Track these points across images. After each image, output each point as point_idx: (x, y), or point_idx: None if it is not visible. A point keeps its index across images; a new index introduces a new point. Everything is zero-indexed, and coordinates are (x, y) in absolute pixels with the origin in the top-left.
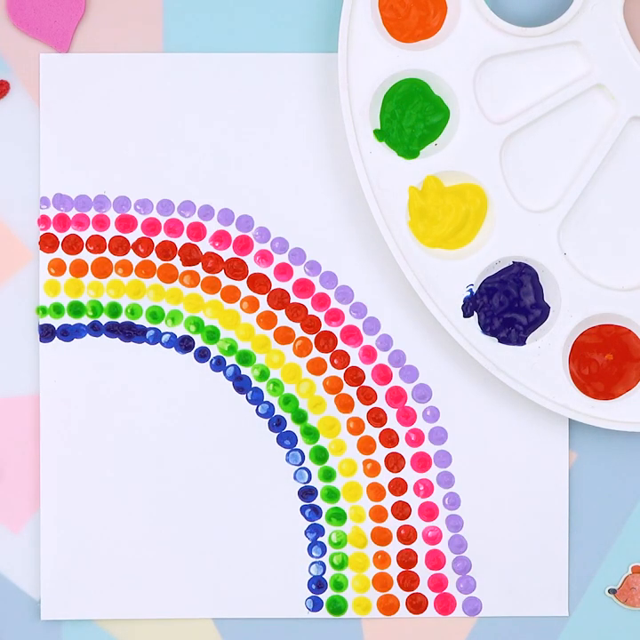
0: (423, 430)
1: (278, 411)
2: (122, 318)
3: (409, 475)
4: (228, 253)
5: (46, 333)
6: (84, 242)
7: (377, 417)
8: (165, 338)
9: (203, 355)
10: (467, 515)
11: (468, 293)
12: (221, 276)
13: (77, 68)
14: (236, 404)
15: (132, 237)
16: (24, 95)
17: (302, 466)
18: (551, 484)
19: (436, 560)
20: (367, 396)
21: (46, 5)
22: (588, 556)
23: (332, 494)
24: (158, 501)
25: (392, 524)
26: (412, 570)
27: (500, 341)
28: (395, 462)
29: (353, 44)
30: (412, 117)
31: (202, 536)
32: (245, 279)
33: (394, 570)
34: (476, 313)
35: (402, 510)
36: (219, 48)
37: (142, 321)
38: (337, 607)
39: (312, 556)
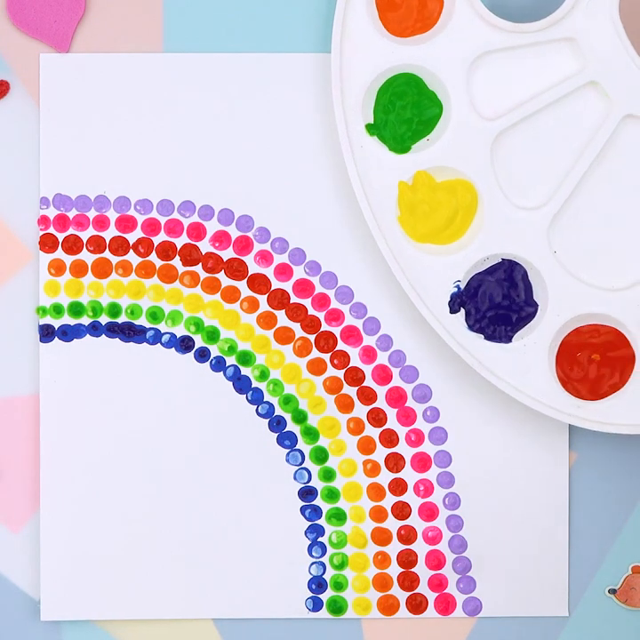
0: (423, 430)
1: (278, 411)
2: (122, 318)
3: (409, 475)
4: (227, 253)
5: (46, 333)
6: (84, 242)
7: (377, 417)
8: (165, 338)
9: (203, 355)
10: (467, 515)
11: (456, 289)
12: (221, 276)
13: (77, 67)
14: (236, 404)
15: (132, 237)
16: (24, 95)
17: (302, 466)
18: (551, 484)
19: (436, 560)
20: (367, 396)
21: (46, 5)
22: (588, 556)
23: (332, 494)
24: (158, 501)
25: (392, 524)
26: (412, 570)
27: (486, 338)
28: (395, 462)
29: (347, 37)
30: (406, 112)
31: (202, 536)
32: (245, 279)
33: (394, 570)
34: (462, 309)
35: (402, 510)
36: (219, 48)
37: (142, 321)
38: (337, 607)
39: (312, 556)
